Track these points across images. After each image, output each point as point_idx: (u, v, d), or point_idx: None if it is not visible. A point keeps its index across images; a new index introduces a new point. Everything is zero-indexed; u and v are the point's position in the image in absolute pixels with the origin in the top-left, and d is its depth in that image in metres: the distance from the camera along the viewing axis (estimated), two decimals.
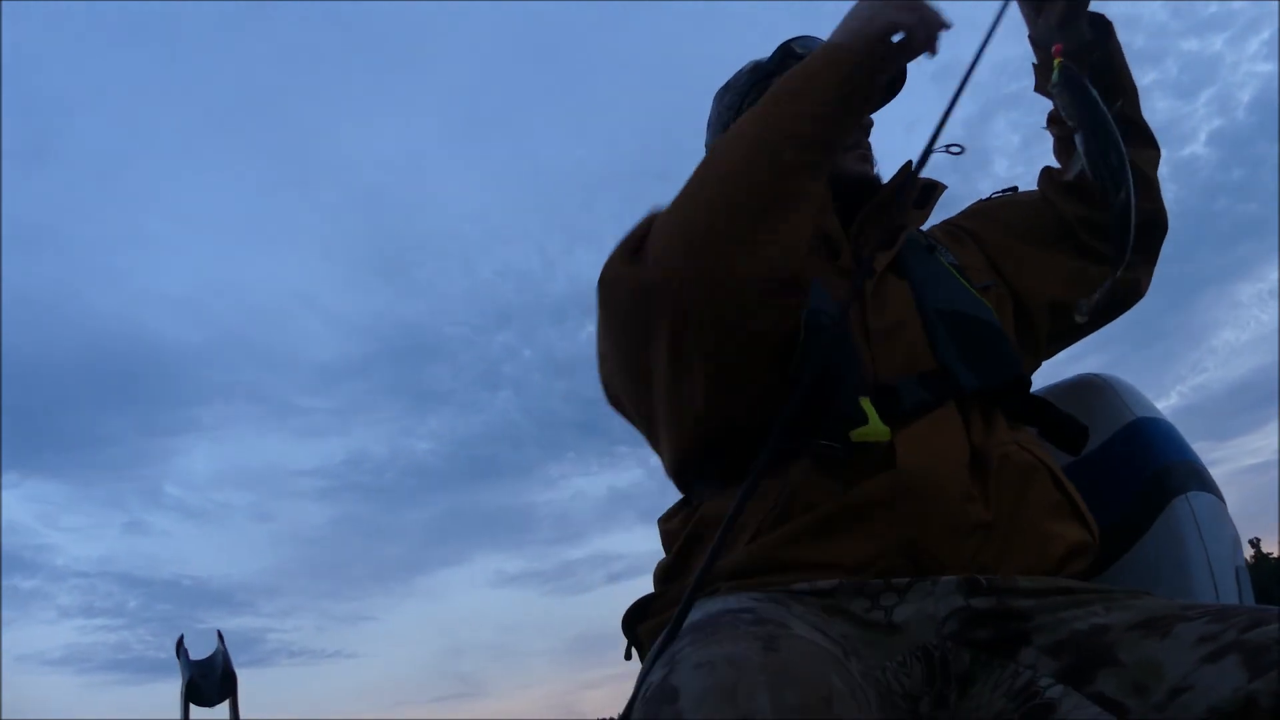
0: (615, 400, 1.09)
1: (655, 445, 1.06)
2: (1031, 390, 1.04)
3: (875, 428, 0.86)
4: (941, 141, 0.91)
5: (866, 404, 0.87)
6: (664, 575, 1.00)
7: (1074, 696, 0.70)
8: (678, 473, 1.04)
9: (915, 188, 1.13)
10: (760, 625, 0.67)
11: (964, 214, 1.25)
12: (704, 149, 1.29)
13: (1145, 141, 1.13)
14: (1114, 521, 1.09)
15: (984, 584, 0.81)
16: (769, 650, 0.62)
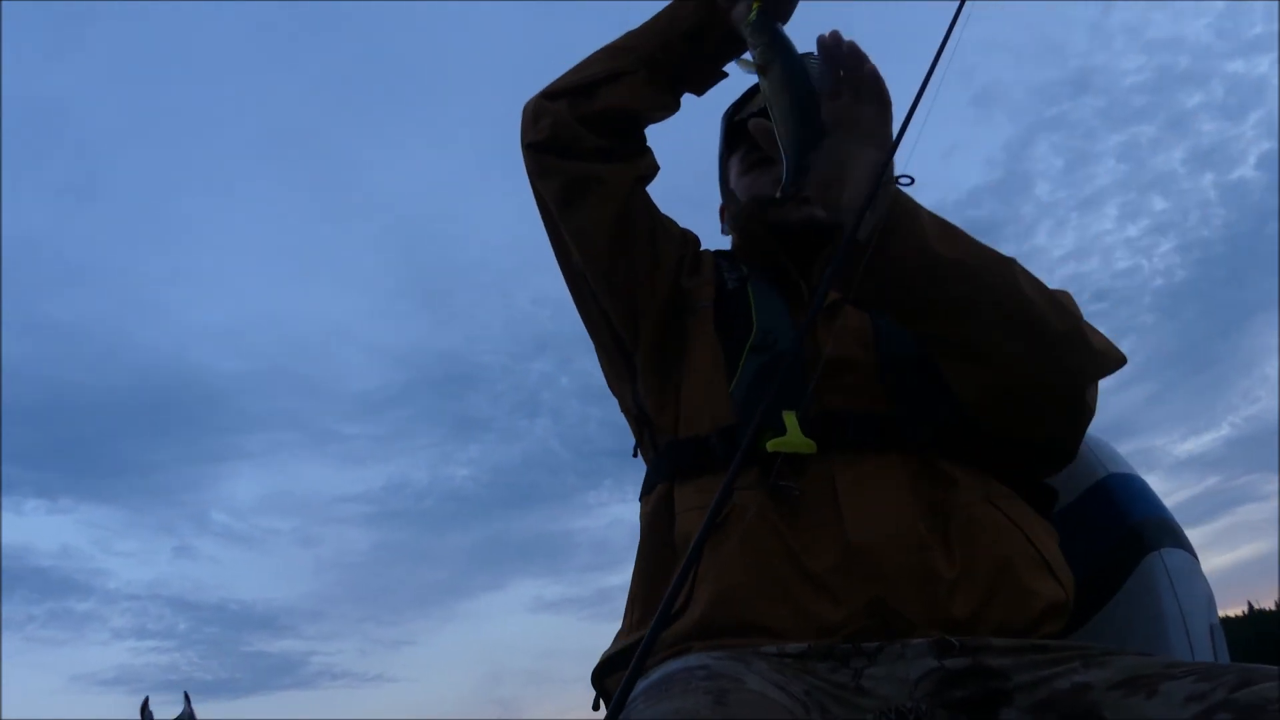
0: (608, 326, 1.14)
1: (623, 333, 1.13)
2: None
3: (795, 439, 0.87)
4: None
5: (790, 418, 0.89)
6: (633, 620, 0.99)
7: None
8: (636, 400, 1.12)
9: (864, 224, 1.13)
10: (712, 680, 0.67)
11: None
12: (717, 166, 1.33)
13: (966, 359, 0.94)
14: (1088, 577, 1.08)
15: (956, 645, 0.80)
16: (718, 704, 0.62)
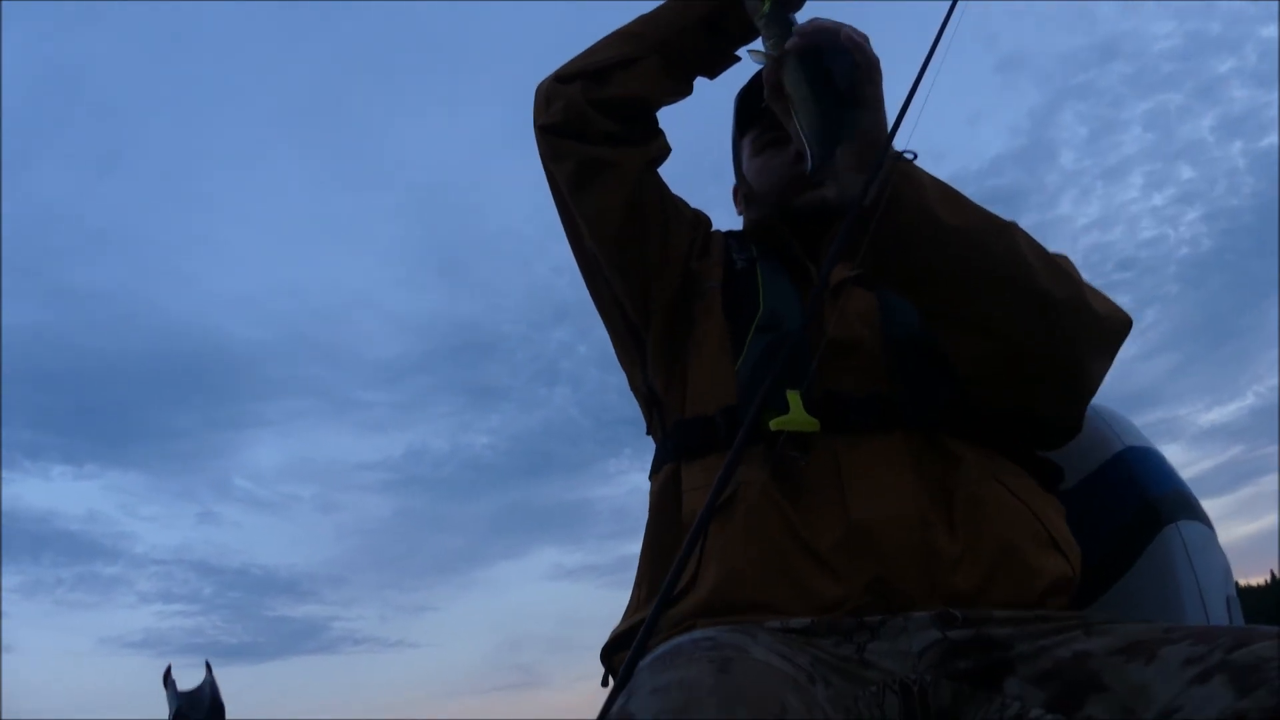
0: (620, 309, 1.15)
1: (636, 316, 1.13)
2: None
3: (798, 417, 0.88)
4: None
5: (794, 397, 0.90)
6: (639, 598, 1.00)
7: None
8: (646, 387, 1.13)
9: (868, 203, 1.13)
10: (717, 650, 0.68)
11: None
12: (730, 146, 1.34)
13: (962, 329, 0.94)
14: (1104, 551, 1.09)
15: (959, 617, 0.81)
16: (722, 672, 0.63)
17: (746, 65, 1.15)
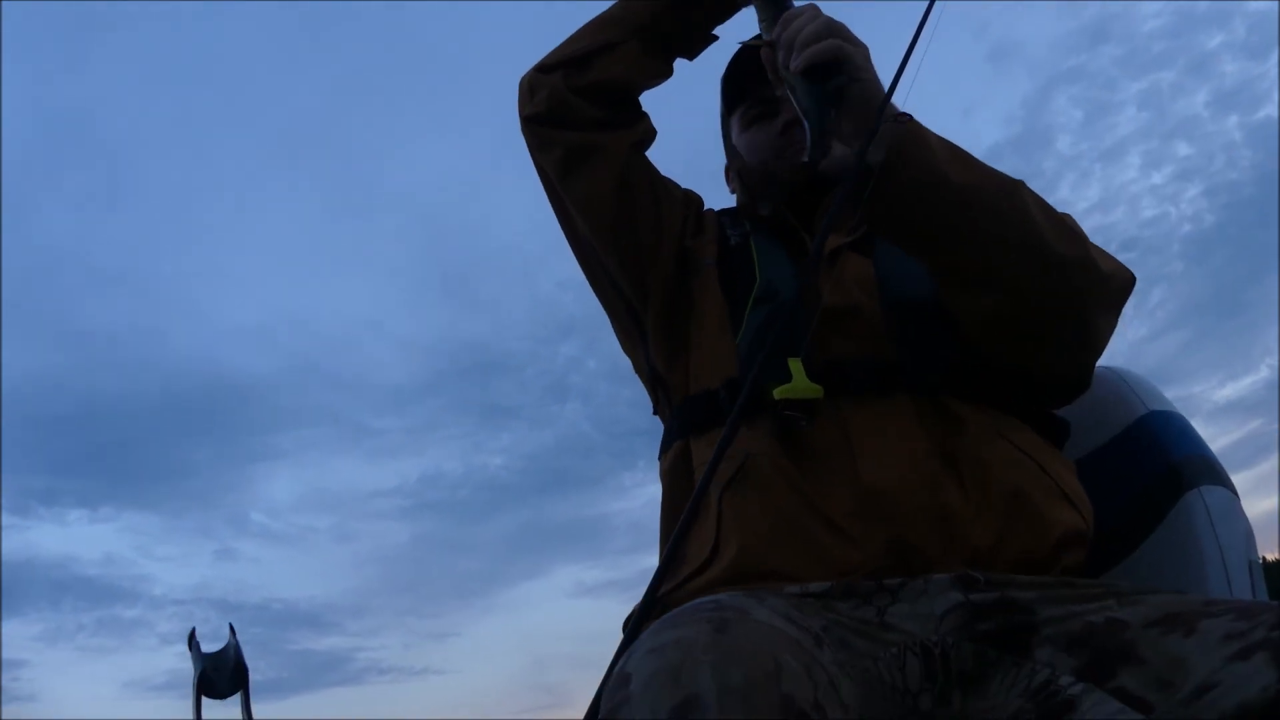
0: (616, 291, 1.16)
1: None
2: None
3: (800, 384, 0.89)
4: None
5: (795, 364, 0.91)
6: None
7: (1095, 693, 0.69)
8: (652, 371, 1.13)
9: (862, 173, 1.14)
10: (717, 611, 0.68)
11: None
12: (721, 133, 1.34)
13: (972, 284, 0.94)
14: (1126, 515, 1.08)
15: (981, 580, 0.80)
16: (718, 632, 0.63)
17: (727, 45, 1.17)
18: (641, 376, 1.20)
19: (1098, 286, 0.94)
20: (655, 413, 1.17)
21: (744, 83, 1.22)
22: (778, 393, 0.88)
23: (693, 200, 1.21)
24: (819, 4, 0.97)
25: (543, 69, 1.11)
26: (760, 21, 1.00)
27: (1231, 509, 1.06)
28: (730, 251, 1.11)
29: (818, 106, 0.91)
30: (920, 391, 0.93)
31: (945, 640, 0.77)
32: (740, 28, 1.16)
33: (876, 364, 0.95)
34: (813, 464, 0.90)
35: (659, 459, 1.08)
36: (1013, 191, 0.92)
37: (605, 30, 1.10)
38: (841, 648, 0.75)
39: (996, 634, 0.77)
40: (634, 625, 0.70)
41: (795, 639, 0.67)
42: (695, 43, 1.15)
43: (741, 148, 1.24)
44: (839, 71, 0.91)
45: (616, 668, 0.64)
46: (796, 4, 0.99)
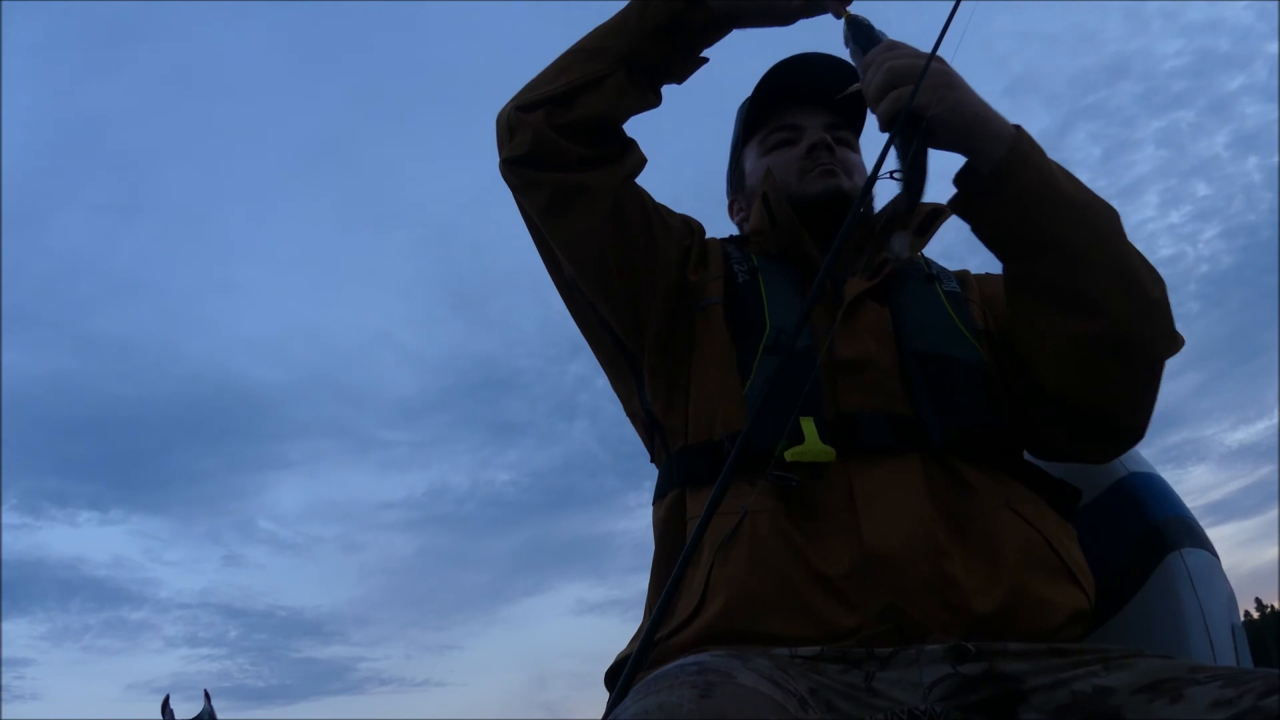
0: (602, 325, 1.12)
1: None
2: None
3: (813, 447, 0.87)
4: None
5: (808, 424, 0.89)
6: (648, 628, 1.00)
7: None
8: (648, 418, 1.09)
9: (887, 216, 1.11)
10: (701, 675, 0.67)
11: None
12: (726, 162, 1.33)
13: (1073, 308, 0.91)
14: (1107, 577, 1.08)
15: (972, 650, 0.80)
16: (703, 697, 0.63)
17: (716, 69, 1.13)
18: (635, 421, 1.15)
19: (1171, 338, 0.93)
20: (652, 460, 1.12)
21: (763, 111, 1.21)
22: (789, 455, 0.87)
23: (694, 228, 1.16)
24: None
25: (523, 107, 1.02)
26: (855, 64, 0.99)
27: (1213, 571, 1.06)
28: (737, 289, 1.07)
29: (904, 156, 0.90)
30: (933, 451, 0.92)
31: (933, 709, 0.77)
32: (731, 48, 1.14)
33: (889, 419, 0.93)
34: (814, 523, 0.89)
35: (653, 504, 1.05)
36: (1114, 217, 0.92)
37: (588, 63, 1.03)
38: (828, 710, 0.75)
39: (984, 704, 0.76)
40: (622, 684, 0.69)
41: (779, 703, 0.66)
42: (685, 67, 1.09)
43: (762, 169, 1.19)
44: (913, 123, 0.89)
45: None
46: (883, 37, 0.98)
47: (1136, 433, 0.98)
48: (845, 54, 1.02)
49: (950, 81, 0.91)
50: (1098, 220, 0.91)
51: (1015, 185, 0.89)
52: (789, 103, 1.20)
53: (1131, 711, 0.70)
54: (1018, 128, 0.92)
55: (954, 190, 0.96)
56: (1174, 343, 0.94)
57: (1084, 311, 0.90)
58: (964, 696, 0.77)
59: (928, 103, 0.89)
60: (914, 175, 0.90)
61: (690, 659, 0.76)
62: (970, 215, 0.94)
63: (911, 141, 0.90)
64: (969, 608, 0.84)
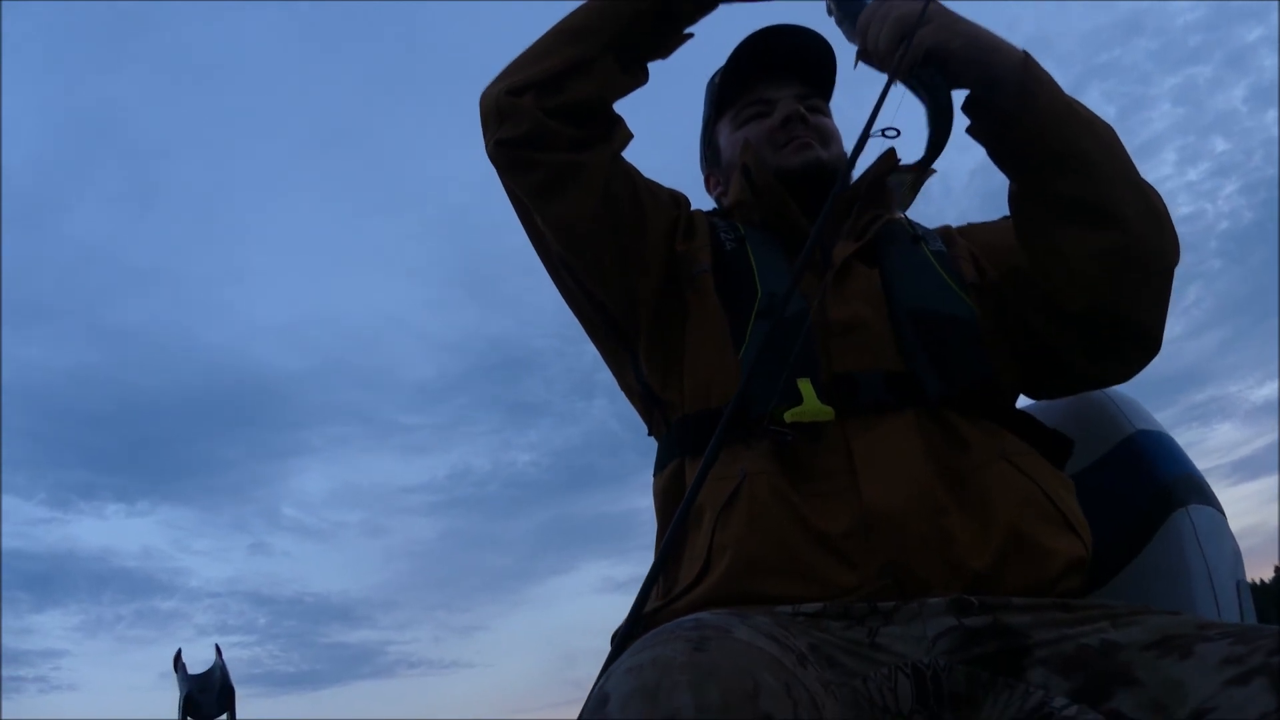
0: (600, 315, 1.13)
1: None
2: (1019, 401, 1.03)
3: (811, 407, 0.88)
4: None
5: (805, 385, 0.90)
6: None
7: (1089, 715, 0.69)
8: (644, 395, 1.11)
9: (866, 178, 1.11)
10: (697, 630, 0.67)
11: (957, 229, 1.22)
12: (698, 141, 1.32)
13: (1094, 219, 0.95)
14: (1114, 535, 1.08)
15: (975, 604, 0.80)
16: (697, 650, 0.63)
17: (699, 44, 1.13)
18: (632, 397, 1.16)
19: (1177, 247, 0.98)
20: (650, 433, 1.14)
21: (734, 86, 1.20)
22: (788, 416, 0.88)
23: (680, 201, 1.17)
24: None
25: (511, 90, 1.02)
26: (843, 31, 1.02)
27: (1219, 528, 1.07)
28: (725, 257, 1.07)
29: (931, 104, 0.94)
30: (929, 406, 0.93)
31: (937, 662, 0.77)
32: (714, 24, 1.13)
33: (884, 377, 0.94)
34: (813, 484, 0.89)
35: (654, 477, 1.06)
36: (1115, 132, 0.97)
37: (577, 44, 1.02)
38: (828, 666, 0.75)
39: (989, 656, 0.77)
40: (619, 643, 0.70)
41: (775, 657, 0.66)
42: (671, 44, 1.10)
43: (735, 145, 1.19)
44: (927, 64, 0.93)
45: (596, 688, 0.64)
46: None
47: (1156, 343, 1.01)
48: (818, 26, 1.06)
49: (954, 15, 0.96)
50: (1106, 133, 0.96)
51: (1037, 103, 0.94)
52: (759, 76, 1.20)
53: (1141, 669, 0.69)
54: (1027, 54, 0.96)
55: (967, 121, 0.99)
56: (1178, 252, 0.98)
57: (1105, 222, 0.94)
58: (968, 650, 0.77)
59: (946, 39, 0.93)
60: (940, 120, 0.93)
61: (688, 617, 0.76)
62: (994, 139, 0.98)
63: (938, 84, 0.93)
64: (968, 563, 0.84)
